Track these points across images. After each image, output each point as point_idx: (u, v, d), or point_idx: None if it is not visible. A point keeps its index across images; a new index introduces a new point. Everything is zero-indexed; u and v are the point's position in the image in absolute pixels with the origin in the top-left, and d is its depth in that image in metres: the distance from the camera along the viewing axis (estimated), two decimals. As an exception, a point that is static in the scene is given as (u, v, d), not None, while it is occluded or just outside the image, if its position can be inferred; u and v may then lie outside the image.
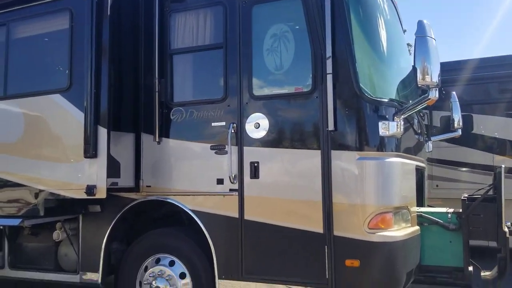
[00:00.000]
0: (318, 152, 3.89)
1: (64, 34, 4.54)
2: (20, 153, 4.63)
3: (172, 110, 4.49)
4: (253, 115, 4.15)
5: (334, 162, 3.84)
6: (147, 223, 4.87)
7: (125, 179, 4.46)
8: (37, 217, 4.42)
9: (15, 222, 4.31)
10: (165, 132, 4.51)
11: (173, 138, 4.48)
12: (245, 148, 4.17)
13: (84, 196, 4.21)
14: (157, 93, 4.52)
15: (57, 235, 4.79)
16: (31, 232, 5.08)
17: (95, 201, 4.52)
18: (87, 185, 4.18)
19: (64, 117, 4.47)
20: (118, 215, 4.54)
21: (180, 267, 4.32)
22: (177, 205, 4.37)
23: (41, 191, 4.43)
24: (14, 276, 5.14)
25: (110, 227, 4.55)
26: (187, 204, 4.33)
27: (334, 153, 3.84)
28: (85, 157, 4.19)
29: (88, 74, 4.24)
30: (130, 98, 4.64)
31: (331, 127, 3.84)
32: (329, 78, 3.85)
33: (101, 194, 4.16)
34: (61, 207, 4.63)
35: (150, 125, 4.55)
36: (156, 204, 4.65)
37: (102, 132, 4.21)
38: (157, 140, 4.49)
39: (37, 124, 4.64)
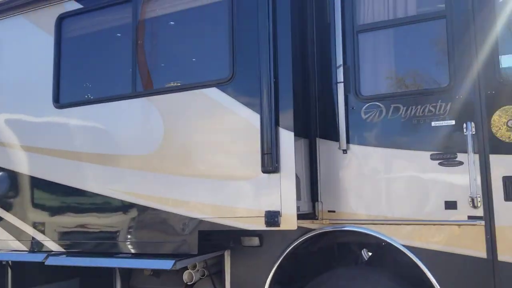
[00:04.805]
0: None
1: None
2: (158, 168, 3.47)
3: (364, 107, 3.26)
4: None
5: None
6: (307, 259, 3.65)
7: (302, 202, 3.24)
8: (189, 256, 3.20)
9: (167, 265, 3.02)
10: (353, 137, 3.28)
11: (367, 145, 3.24)
12: (493, 157, 2.89)
13: (262, 227, 2.99)
14: (340, 85, 3.33)
15: (189, 276, 3.61)
16: (152, 273, 3.94)
17: (252, 232, 3.34)
18: (267, 212, 2.96)
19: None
20: (287, 251, 3.32)
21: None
22: (379, 237, 3.12)
23: (192, 219, 3.24)
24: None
25: (275, 267, 3.34)
26: (397, 238, 3.08)
27: None
28: (264, 171, 2.98)
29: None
30: (297, 91, 3.39)
31: None
32: None
33: (289, 224, 2.92)
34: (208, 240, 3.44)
35: (330, 128, 3.34)
36: (334, 236, 3.42)
37: (285, 136, 3.01)
38: (343, 148, 3.27)
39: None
